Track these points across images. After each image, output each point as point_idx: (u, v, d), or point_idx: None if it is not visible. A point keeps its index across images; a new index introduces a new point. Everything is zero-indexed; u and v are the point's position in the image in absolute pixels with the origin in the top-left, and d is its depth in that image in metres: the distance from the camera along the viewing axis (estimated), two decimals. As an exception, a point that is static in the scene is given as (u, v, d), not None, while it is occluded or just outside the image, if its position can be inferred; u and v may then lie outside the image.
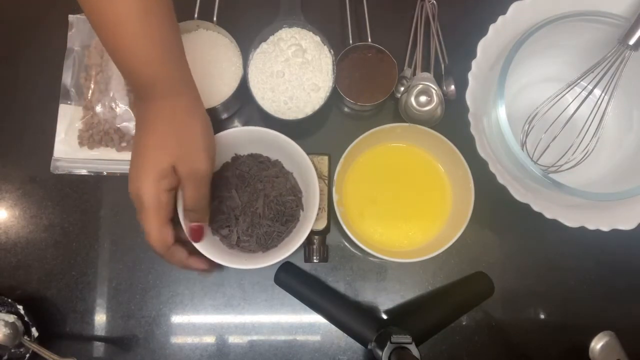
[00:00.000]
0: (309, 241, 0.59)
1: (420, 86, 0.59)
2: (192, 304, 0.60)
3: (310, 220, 0.53)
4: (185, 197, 0.48)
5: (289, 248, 0.52)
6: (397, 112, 0.63)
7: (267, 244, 0.55)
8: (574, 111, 0.58)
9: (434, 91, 0.59)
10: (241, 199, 0.56)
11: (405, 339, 0.49)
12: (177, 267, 0.49)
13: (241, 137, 0.56)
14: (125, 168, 0.60)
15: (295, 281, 0.57)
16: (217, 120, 0.61)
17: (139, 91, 0.45)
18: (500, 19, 0.56)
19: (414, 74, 0.62)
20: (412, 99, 0.59)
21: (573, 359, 0.60)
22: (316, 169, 0.58)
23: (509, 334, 0.60)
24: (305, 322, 0.60)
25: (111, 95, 0.61)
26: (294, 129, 0.62)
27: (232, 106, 0.61)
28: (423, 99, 0.59)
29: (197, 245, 0.51)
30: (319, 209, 0.54)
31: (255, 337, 0.59)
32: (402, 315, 0.60)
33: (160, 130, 0.45)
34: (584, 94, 0.58)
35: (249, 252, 0.56)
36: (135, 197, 0.45)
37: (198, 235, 0.51)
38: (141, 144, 0.46)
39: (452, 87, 0.61)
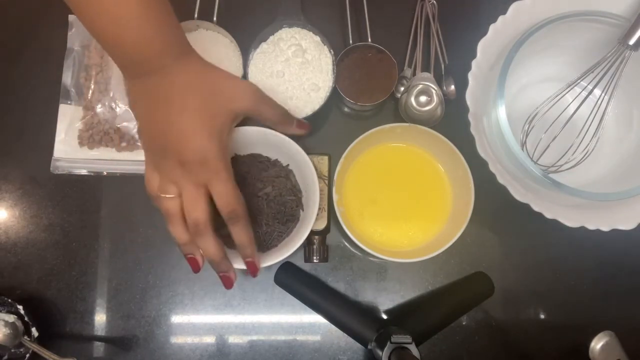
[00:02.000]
0: (309, 241, 0.59)
1: (420, 86, 0.59)
2: (192, 304, 0.60)
3: (310, 220, 0.53)
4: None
5: (289, 248, 0.52)
6: (397, 112, 0.63)
7: (267, 243, 0.55)
8: (574, 111, 0.58)
9: (434, 91, 0.59)
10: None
11: (405, 339, 0.49)
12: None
13: (241, 138, 0.56)
14: (125, 168, 0.60)
15: (295, 281, 0.57)
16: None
17: (142, 65, 0.43)
18: (500, 19, 0.56)
19: (414, 74, 0.62)
20: (412, 99, 0.59)
21: (573, 359, 0.60)
22: (316, 169, 0.58)
23: (509, 334, 0.60)
24: (305, 322, 0.60)
25: (111, 95, 0.61)
26: (294, 129, 0.62)
27: (232, 106, 0.61)
28: (423, 99, 0.59)
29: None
30: (319, 209, 0.54)
31: (255, 337, 0.59)
32: (402, 315, 0.60)
33: (196, 90, 0.43)
34: (584, 94, 0.58)
35: None
36: (199, 165, 0.42)
37: (254, 269, 0.49)
38: (175, 112, 0.43)
39: (452, 87, 0.62)
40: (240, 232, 0.46)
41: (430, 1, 0.64)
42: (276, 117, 0.50)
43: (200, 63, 0.46)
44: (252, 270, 0.49)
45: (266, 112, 0.49)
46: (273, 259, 0.52)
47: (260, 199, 0.56)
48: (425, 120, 0.59)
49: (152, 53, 0.42)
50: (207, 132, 0.43)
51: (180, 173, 0.44)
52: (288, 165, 0.58)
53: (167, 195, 0.45)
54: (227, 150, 0.46)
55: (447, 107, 0.60)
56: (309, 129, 0.55)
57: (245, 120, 0.51)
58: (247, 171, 0.57)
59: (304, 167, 0.55)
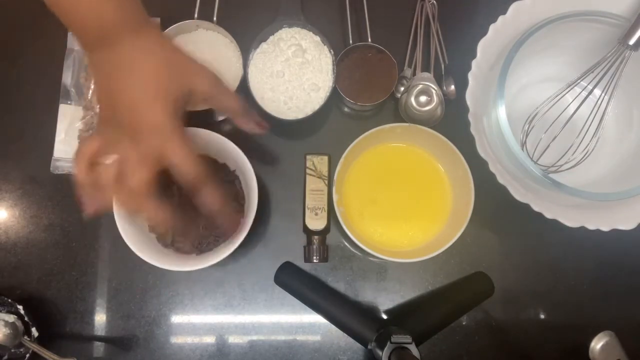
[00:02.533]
0: (309, 241, 0.59)
1: (420, 86, 0.59)
2: (192, 304, 0.60)
3: (247, 227, 0.52)
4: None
5: (223, 252, 0.51)
6: (397, 112, 0.63)
7: (202, 247, 0.55)
8: (574, 111, 0.58)
9: (434, 91, 0.59)
10: (181, 199, 0.55)
11: (405, 339, 0.49)
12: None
13: (191, 138, 0.55)
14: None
15: (295, 281, 0.57)
16: (215, 120, 0.61)
17: (101, 38, 0.42)
18: (500, 19, 0.56)
19: (414, 74, 0.62)
20: (412, 99, 0.59)
21: (573, 359, 0.60)
22: (316, 169, 0.58)
23: (509, 334, 0.60)
24: (305, 322, 0.60)
25: (111, 95, 0.60)
26: (294, 129, 0.62)
27: (232, 106, 0.61)
28: (423, 99, 0.59)
29: (128, 242, 0.51)
30: (319, 208, 0.54)
31: (255, 337, 0.59)
32: (402, 315, 0.60)
33: (151, 60, 0.43)
34: (584, 94, 0.58)
35: (182, 253, 0.55)
36: (150, 131, 0.41)
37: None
38: (129, 81, 0.42)
39: (452, 87, 0.62)
40: (209, 196, 0.45)
41: (430, 1, 0.64)
42: (235, 107, 0.48)
43: (160, 37, 0.45)
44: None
45: (225, 100, 0.48)
46: (205, 262, 0.51)
47: None
48: (425, 120, 0.59)
49: (108, 24, 0.42)
50: (161, 102, 0.42)
51: (128, 143, 0.42)
52: (235, 170, 0.58)
53: (105, 161, 0.43)
54: (182, 124, 0.44)
55: (447, 107, 0.60)
56: (267, 129, 0.52)
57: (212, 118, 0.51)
58: None
59: (248, 173, 0.54)
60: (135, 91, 0.42)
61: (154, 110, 0.42)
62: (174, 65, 0.44)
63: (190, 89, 0.45)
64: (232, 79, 0.59)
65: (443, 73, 0.62)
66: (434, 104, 0.59)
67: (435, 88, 0.59)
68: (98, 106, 0.43)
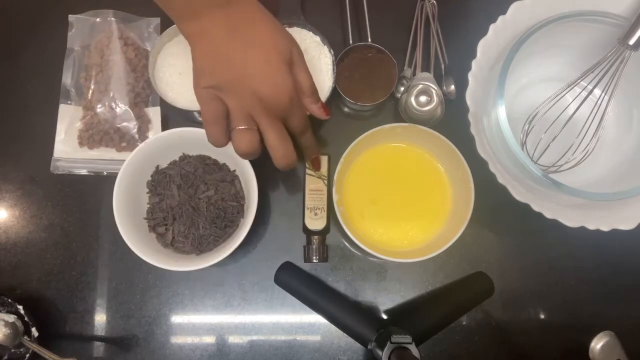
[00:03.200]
0: (308, 241, 0.59)
1: (420, 86, 0.59)
2: (192, 304, 0.60)
3: (247, 227, 0.52)
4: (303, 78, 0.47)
5: (223, 252, 0.52)
6: (397, 112, 0.63)
7: (201, 247, 0.55)
8: (574, 111, 0.58)
9: (434, 91, 0.59)
10: (182, 199, 0.55)
11: (405, 339, 0.49)
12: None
13: (190, 137, 0.56)
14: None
15: (295, 281, 0.57)
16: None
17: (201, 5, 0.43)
18: (500, 19, 0.56)
19: (414, 73, 0.62)
20: (412, 99, 0.59)
21: (573, 359, 0.60)
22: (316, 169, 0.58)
23: (509, 334, 0.60)
24: (305, 322, 0.60)
25: (111, 95, 0.61)
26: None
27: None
28: (423, 99, 0.59)
29: (128, 242, 0.51)
30: (319, 208, 0.54)
31: (255, 337, 0.59)
32: (402, 315, 0.60)
33: (263, 22, 0.44)
34: (584, 94, 0.58)
35: (182, 253, 0.56)
36: (282, 101, 0.44)
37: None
38: (247, 42, 0.43)
39: (452, 87, 0.62)
40: (309, 139, 0.51)
41: (430, 1, 0.64)
42: (309, 81, 0.48)
43: (256, 2, 0.46)
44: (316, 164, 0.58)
45: (303, 72, 0.47)
46: (205, 262, 0.51)
47: (201, 201, 0.56)
48: (425, 120, 0.59)
49: None
50: (280, 65, 0.44)
51: (258, 108, 0.44)
52: (235, 170, 0.58)
53: (243, 127, 0.45)
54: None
55: (447, 107, 0.60)
56: (329, 115, 0.52)
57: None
58: (193, 171, 0.57)
59: (248, 173, 0.54)
60: (260, 57, 0.43)
61: (282, 77, 0.44)
62: (279, 30, 0.45)
63: (292, 53, 0.45)
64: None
65: (443, 73, 0.62)
66: (434, 104, 0.59)
67: (435, 88, 0.59)
68: (200, 74, 0.44)
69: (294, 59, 0.45)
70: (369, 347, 0.53)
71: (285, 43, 0.45)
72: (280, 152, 0.47)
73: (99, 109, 0.61)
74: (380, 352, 0.49)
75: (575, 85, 0.58)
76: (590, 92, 0.57)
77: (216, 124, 0.46)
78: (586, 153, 0.58)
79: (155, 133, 0.62)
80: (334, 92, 0.59)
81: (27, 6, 0.65)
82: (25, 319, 0.55)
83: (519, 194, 0.52)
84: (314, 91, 0.48)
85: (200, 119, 0.60)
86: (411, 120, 0.60)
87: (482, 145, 0.53)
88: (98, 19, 0.63)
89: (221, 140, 0.47)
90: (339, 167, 0.55)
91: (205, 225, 0.55)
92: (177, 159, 0.58)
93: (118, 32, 0.62)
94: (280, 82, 0.43)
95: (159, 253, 0.54)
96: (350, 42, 0.61)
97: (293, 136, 0.49)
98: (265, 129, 0.46)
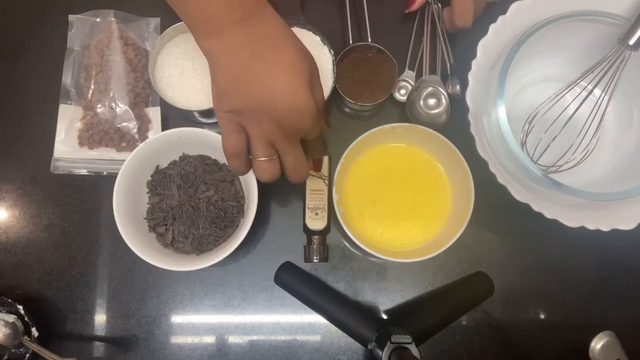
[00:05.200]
0: (309, 241, 0.59)
1: (430, 89, 0.59)
2: (192, 304, 0.60)
3: (247, 227, 0.52)
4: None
5: (223, 252, 0.52)
6: (397, 112, 0.63)
7: (201, 247, 0.55)
8: (574, 111, 0.58)
9: (442, 96, 0.59)
10: (182, 199, 0.56)
11: (405, 339, 0.49)
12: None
13: (190, 138, 0.56)
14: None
15: (295, 281, 0.57)
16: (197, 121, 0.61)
17: (230, 13, 0.41)
18: (500, 19, 0.56)
19: (420, 75, 0.62)
20: (421, 101, 0.59)
21: (573, 359, 0.60)
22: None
23: (509, 334, 0.60)
24: (305, 322, 0.60)
25: (111, 95, 0.61)
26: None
27: (232, 106, 0.61)
28: (432, 101, 0.59)
29: (128, 242, 0.51)
30: (319, 208, 0.54)
31: (255, 337, 0.59)
32: (402, 315, 0.60)
33: (285, 42, 0.42)
34: (584, 94, 0.58)
35: (182, 253, 0.56)
36: (302, 124, 0.43)
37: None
38: (271, 65, 0.41)
39: (458, 87, 0.61)
40: (318, 143, 0.51)
41: (435, 3, 0.64)
42: (322, 102, 0.46)
43: (277, 15, 0.44)
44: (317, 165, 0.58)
45: (318, 92, 0.45)
46: (205, 262, 0.51)
47: (201, 201, 0.56)
48: (429, 123, 0.59)
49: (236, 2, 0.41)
50: (305, 89, 0.42)
51: (279, 134, 0.43)
52: None
53: (264, 159, 0.46)
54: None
55: (449, 107, 0.60)
56: (329, 127, 0.58)
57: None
58: (193, 171, 0.57)
59: (248, 173, 0.54)
60: (282, 79, 0.41)
61: (304, 100, 0.42)
62: (299, 48, 0.43)
63: (313, 71, 0.44)
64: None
65: (449, 73, 0.62)
66: (442, 107, 0.59)
67: (444, 93, 0.59)
68: (220, 97, 0.43)
69: (314, 78, 0.44)
70: (369, 347, 0.53)
71: (307, 64, 0.43)
72: (297, 174, 0.49)
73: (99, 109, 0.61)
74: (380, 352, 0.49)
75: (575, 85, 0.58)
76: (590, 92, 0.57)
77: (237, 157, 0.46)
78: (586, 153, 0.58)
79: (155, 133, 0.62)
80: (334, 92, 0.59)
81: (27, 6, 0.65)
82: (25, 319, 0.55)
83: (519, 194, 0.52)
84: (324, 106, 0.48)
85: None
86: (416, 121, 0.60)
87: (482, 145, 0.53)
88: (98, 19, 0.63)
89: (242, 171, 0.48)
90: (339, 167, 0.55)
91: (205, 225, 0.55)
92: (177, 159, 0.58)
93: (118, 32, 0.62)
94: (305, 108, 0.42)
95: (159, 253, 0.54)
96: (350, 42, 0.61)
97: (304, 141, 0.48)
98: (285, 155, 0.46)
